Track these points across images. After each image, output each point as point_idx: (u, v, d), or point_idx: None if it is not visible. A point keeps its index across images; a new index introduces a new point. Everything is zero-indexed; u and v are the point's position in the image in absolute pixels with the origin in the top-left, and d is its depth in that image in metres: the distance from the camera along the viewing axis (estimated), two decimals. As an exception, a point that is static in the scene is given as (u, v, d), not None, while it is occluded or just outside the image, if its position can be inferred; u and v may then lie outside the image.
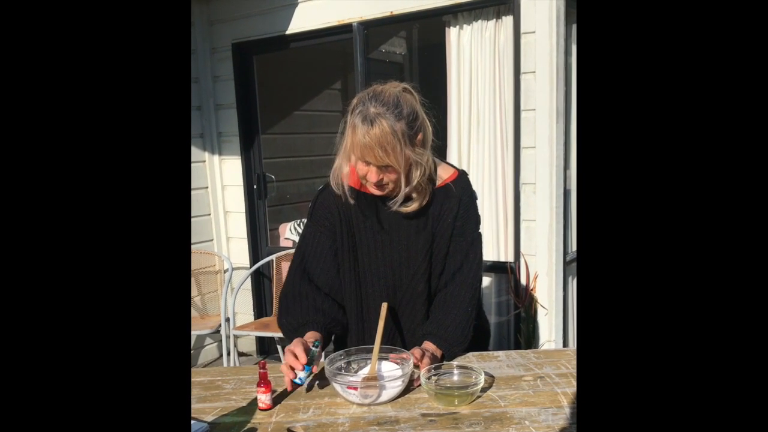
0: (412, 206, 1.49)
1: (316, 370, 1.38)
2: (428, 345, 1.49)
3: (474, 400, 1.30)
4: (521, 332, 2.85)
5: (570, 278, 3.06)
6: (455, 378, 1.39)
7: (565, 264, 2.92)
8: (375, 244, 1.54)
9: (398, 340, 1.59)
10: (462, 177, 1.58)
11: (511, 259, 2.99)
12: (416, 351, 1.42)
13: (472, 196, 1.58)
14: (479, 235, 1.59)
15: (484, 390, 1.34)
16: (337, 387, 1.32)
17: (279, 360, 3.75)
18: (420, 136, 1.42)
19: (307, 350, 1.35)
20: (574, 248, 3.06)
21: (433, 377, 1.37)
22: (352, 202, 1.51)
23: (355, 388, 1.29)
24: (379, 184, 1.42)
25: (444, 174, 1.56)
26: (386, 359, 1.42)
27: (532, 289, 2.83)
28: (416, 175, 1.44)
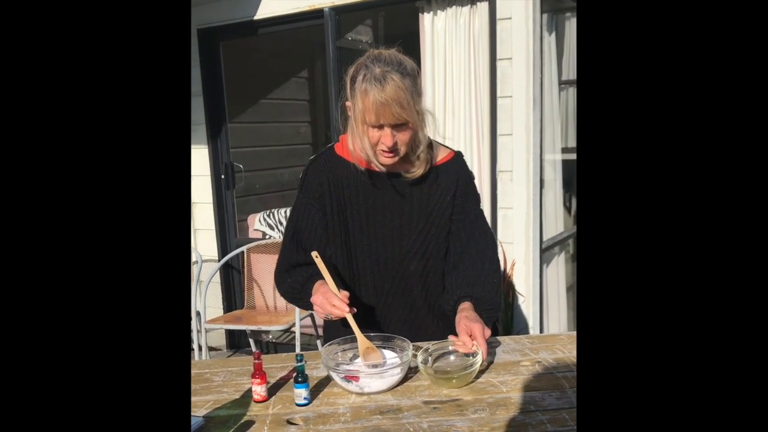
0: (417, 172, 1.47)
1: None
2: (468, 317, 1.39)
3: (473, 381, 1.28)
4: (499, 319, 2.84)
5: (545, 266, 3.08)
6: (452, 359, 1.37)
7: (541, 252, 2.93)
8: (367, 220, 1.51)
9: (391, 323, 1.54)
10: (459, 157, 1.56)
11: (487, 246, 2.97)
12: (463, 336, 1.34)
13: (469, 176, 1.56)
14: (481, 212, 1.57)
15: (481, 372, 1.32)
16: (335, 376, 1.27)
17: (250, 353, 3.67)
18: (422, 98, 1.41)
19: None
20: (548, 236, 3.07)
21: (429, 359, 1.35)
22: (383, 168, 1.45)
23: (355, 378, 1.25)
24: (393, 149, 1.38)
25: (441, 153, 1.54)
26: (384, 348, 1.38)
27: (509, 277, 2.83)
28: (424, 135, 1.43)
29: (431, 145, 1.52)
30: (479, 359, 1.28)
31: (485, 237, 1.54)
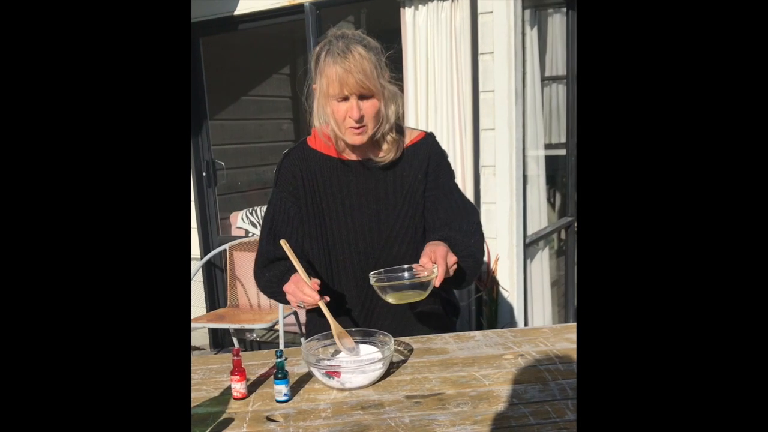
0: (387, 157, 1.47)
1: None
2: (435, 244, 1.37)
3: (427, 294, 1.32)
4: (483, 315, 2.84)
5: (528, 261, 3.08)
6: (406, 274, 1.37)
7: (525, 247, 2.93)
8: (343, 210, 1.50)
9: (374, 315, 1.53)
10: (430, 136, 1.57)
11: (471, 242, 2.97)
12: (424, 258, 1.32)
13: (442, 154, 1.56)
14: (456, 185, 1.57)
15: (464, 365, 1.31)
16: (316, 372, 1.25)
17: (233, 352, 3.64)
18: (386, 75, 1.42)
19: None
20: (531, 231, 3.07)
21: (384, 277, 1.35)
22: (353, 152, 1.46)
23: (336, 374, 1.23)
24: (360, 123, 1.38)
25: (411, 135, 1.55)
26: (365, 343, 1.37)
27: (493, 272, 2.82)
28: (392, 112, 1.43)
29: (402, 130, 1.52)
30: (435, 272, 1.28)
31: (464, 207, 1.53)
